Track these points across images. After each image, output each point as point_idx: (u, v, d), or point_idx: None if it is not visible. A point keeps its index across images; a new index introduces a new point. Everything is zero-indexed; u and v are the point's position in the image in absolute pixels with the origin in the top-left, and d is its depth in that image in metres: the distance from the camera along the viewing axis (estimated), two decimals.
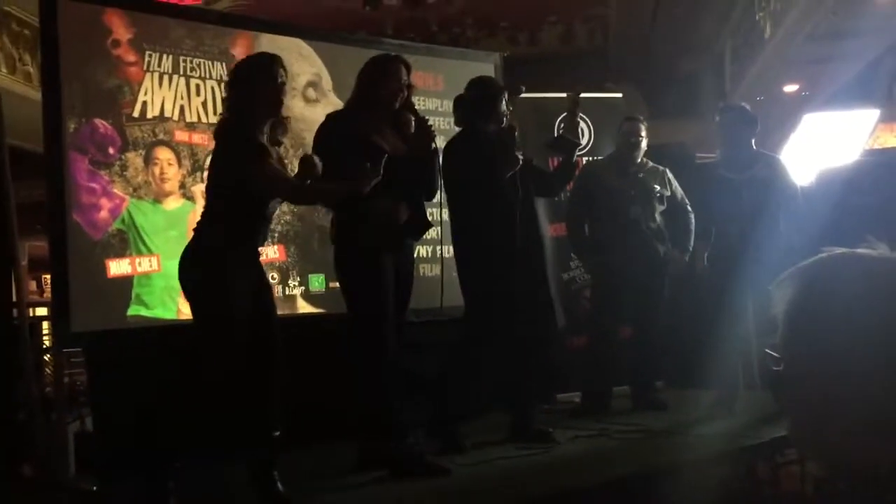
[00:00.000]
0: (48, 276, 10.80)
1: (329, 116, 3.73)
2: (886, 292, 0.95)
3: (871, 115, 7.83)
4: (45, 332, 7.66)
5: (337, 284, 4.63)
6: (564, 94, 5.83)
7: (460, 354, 4.00)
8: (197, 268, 3.12)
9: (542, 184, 4.33)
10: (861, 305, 0.94)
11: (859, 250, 1.00)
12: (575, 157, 4.35)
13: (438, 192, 3.84)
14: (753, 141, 4.67)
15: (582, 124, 5.86)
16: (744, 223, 4.49)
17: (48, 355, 6.39)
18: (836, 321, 0.93)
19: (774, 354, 1.00)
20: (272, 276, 4.61)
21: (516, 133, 4.06)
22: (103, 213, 4.08)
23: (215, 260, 3.11)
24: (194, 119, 4.43)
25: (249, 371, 3.10)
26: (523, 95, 5.77)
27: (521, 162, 4.00)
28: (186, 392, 3.08)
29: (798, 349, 0.97)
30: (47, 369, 6.28)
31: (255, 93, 3.15)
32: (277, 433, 3.19)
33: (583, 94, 4.42)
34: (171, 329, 4.12)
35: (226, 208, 3.15)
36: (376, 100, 3.60)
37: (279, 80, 3.20)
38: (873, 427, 0.90)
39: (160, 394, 3.23)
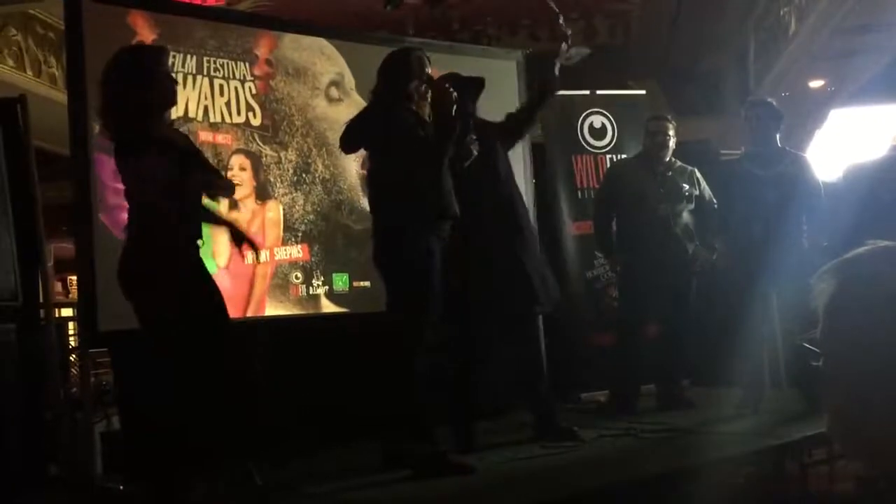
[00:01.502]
0: (73, 277, 10.91)
1: (364, 111, 3.71)
2: None
3: None
4: (70, 332, 7.72)
5: (361, 284, 4.68)
6: (587, 91, 5.89)
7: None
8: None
9: (511, 123, 4.24)
10: None
11: None
12: (556, 67, 4.25)
13: None
14: (779, 137, 4.64)
15: (605, 121, 5.85)
16: (768, 219, 4.45)
17: (74, 355, 6.45)
18: (880, 315, 0.90)
19: (814, 349, 0.98)
20: (296, 275, 4.62)
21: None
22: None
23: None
24: (218, 119, 4.45)
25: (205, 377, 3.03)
26: None
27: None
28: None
29: (840, 343, 0.95)
30: (73, 369, 6.33)
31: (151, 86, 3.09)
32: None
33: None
34: None
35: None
36: (403, 93, 3.60)
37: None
38: None
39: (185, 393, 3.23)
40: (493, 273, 3.93)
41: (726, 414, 4.40)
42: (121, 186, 4.04)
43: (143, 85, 3.05)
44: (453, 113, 3.53)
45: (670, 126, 4.87)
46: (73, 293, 10.53)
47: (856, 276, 0.95)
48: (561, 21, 4.21)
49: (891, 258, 0.94)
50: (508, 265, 3.96)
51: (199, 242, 3.21)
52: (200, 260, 3.23)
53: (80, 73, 4.04)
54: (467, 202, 3.82)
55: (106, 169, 4.07)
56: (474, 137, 3.76)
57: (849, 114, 7.58)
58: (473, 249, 3.92)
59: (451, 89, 3.59)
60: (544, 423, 4.07)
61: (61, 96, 6.39)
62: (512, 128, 4.24)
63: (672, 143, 4.87)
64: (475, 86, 4.05)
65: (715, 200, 4.90)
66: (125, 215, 4.04)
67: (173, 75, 3.22)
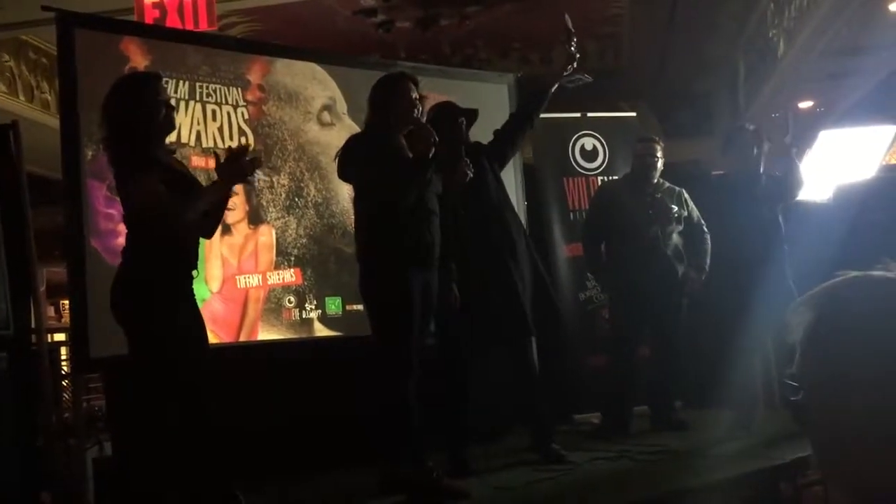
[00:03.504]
0: (66, 302, 10.87)
1: (354, 138, 3.72)
2: None
3: (888, 130, 7.78)
4: (63, 357, 7.67)
5: (354, 307, 4.67)
6: (578, 114, 5.92)
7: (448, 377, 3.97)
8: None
9: (501, 137, 4.25)
10: (880, 330, 0.93)
11: (874, 273, 0.98)
12: (554, 85, 4.26)
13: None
14: (763, 160, 4.70)
15: (596, 143, 5.88)
16: (765, 236, 4.48)
17: (66, 381, 6.42)
18: (859, 347, 0.91)
19: (792, 384, 0.99)
20: (288, 299, 4.62)
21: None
22: (121, 240, 4.08)
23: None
24: (210, 144, 4.46)
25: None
26: None
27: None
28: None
29: (817, 375, 0.95)
30: (65, 395, 6.30)
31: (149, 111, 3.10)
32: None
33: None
34: None
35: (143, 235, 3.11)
36: (394, 120, 3.60)
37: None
38: None
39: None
40: (486, 296, 3.93)
41: (720, 435, 4.39)
42: (113, 212, 4.08)
43: (145, 111, 3.07)
44: (432, 148, 3.51)
45: (658, 147, 4.89)
46: (66, 318, 10.51)
47: (833, 307, 0.95)
48: (574, 42, 4.22)
49: (862, 289, 0.94)
50: (501, 289, 3.96)
51: (194, 273, 3.22)
52: (192, 291, 3.25)
53: (72, 99, 4.05)
54: (461, 225, 3.85)
55: (98, 194, 4.08)
56: (468, 161, 3.78)
57: (838, 135, 7.63)
58: (470, 272, 3.92)
59: (440, 119, 3.59)
60: (538, 442, 4.08)
61: (54, 121, 6.40)
62: (501, 142, 4.24)
63: (660, 164, 4.88)
64: (469, 116, 4.08)
65: (703, 221, 4.92)
66: (118, 241, 4.07)
67: (172, 101, 3.24)
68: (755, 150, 4.65)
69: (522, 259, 4.09)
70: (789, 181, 4.66)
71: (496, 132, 4.29)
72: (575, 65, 4.21)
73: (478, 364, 4.01)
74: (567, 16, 4.21)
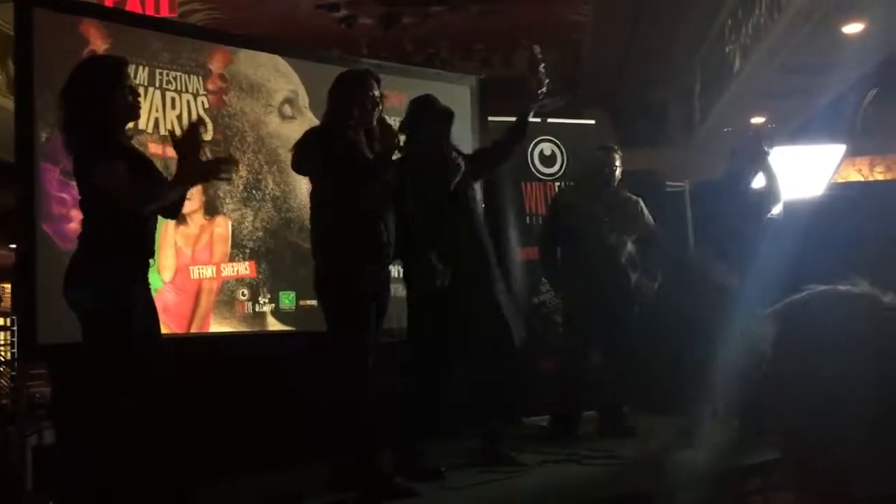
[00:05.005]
0: (6, 286, 10.61)
1: (311, 132, 3.71)
2: (870, 330, 0.96)
3: (838, 150, 7.98)
4: (1, 342, 7.49)
5: (307, 302, 4.65)
6: (538, 119, 5.95)
7: (410, 375, 3.98)
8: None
9: (484, 158, 4.26)
10: (843, 344, 0.95)
11: (840, 287, 1.01)
12: (531, 113, 4.16)
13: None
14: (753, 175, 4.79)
15: (555, 149, 5.93)
16: (747, 244, 4.56)
17: (3, 367, 6.28)
18: (822, 361, 0.94)
19: (755, 389, 1.02)
20: (242, 292, 4.57)
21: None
22: (73, 225, 4.01)
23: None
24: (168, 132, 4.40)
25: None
26: (498, 118, 5.83)
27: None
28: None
29: (777, 385, 0.98)
30: (3, 381, 6.16)
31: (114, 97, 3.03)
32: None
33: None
34: None
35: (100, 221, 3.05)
36: (354, 116, 3.58)
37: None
38: (865, 462, 0.91)
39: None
40: (471, 307, 3.93)
41: (668, 442, 4.45)
42: (66, 196, 4.00)
43: (115, 96, 3.01)
44: (394, 149, 3.51)
45: (617, 156, 4.95)
46: (6, 302, 10.24)
47: (798, 321, 0.98)
48: (543, 69, 4.12)
49: (833, 303, 0.97)
50: (486, 300, 3.96)
51: (151, 261, 3.17)
52: (148, 279, 3.20)
53: (27, 80, 3.96)
54: (445, 231, 3.89)
55: (51, 178, 4.00)
56: (458, 157, 3.80)
57: (789, 152, 7.78)
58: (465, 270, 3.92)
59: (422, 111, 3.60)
60: (489, 444, 4.09)
61: (7, 102, 6.26)
62: (482, 162, 4.23)
63: (619, 172, 4.95)
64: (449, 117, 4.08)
65: (658, 230, 4.98)
66: (70, 225, 3.99)
67: (136, 87, 3.18)
68: (754, 159, 4.74)
69: (502, 272, 4.16)
70: (773, 194, 4.76)
71: (477, 151, 4.36)
72: (545, 89, 4.13)
73: (458, 363, 4.02)
74: (536, 46, 4.15)
